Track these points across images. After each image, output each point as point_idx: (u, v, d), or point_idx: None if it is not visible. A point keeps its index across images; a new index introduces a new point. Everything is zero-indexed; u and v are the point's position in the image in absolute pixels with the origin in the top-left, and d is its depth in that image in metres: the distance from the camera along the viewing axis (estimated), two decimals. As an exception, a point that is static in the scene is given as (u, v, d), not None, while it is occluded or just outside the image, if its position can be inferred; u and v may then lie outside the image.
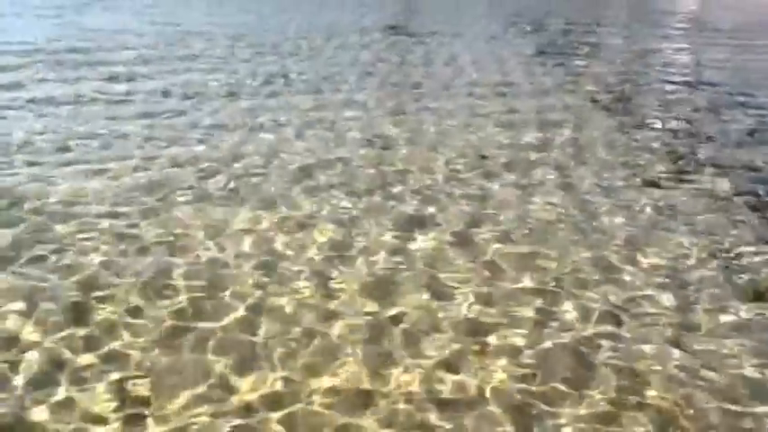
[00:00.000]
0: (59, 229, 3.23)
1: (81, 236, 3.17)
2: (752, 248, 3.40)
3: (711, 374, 2.35)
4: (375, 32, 9.11)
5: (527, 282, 2.93)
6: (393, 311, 2.64)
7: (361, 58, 7.39)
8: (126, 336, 2.41)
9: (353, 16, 10.14)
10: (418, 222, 3.48)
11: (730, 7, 14.36)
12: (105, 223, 3.31)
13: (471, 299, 2.76)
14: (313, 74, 6.63)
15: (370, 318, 2.59)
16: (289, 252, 3.09)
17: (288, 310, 2.63)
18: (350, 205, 3.66)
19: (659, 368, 2.36)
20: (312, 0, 11.77)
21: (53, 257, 2.96)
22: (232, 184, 3.88)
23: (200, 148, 4.48)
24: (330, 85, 6.23)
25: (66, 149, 4.35)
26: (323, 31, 8.91)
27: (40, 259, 2.94)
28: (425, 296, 2.77)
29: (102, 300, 2.64)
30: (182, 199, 3.64)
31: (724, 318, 2.75)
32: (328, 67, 6.91)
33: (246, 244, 3.16)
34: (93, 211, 3.44)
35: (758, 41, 9.79)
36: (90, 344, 2.35)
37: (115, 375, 2.19)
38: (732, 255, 3.33)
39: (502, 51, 8.15)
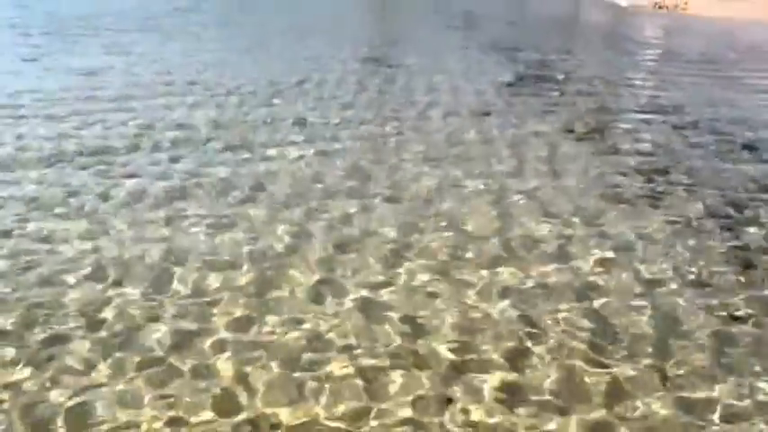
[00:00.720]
0: None
1: None
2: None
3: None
4: (355, 64, 9.21)
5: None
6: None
7: (341, 89, 7.49)
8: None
9: (332, 49, 10.24)
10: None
11: (697, 35, 14.74)
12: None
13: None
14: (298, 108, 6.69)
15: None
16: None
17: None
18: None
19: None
20: (289, 34, 11.87)
21: None
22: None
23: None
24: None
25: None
26: (303, 65, 9.00)
27: None
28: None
29: None
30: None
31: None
32: (310, 102, 6.98)
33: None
34: None
35: (722, 69, 10.09)
36: None
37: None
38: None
39: (479, 81, 8.30)
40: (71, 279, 3.18)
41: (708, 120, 6.67)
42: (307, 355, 2.67)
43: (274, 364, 2.61)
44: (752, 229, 4.05)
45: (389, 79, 8.14)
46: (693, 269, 3.47)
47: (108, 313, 2.92)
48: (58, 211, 3.95)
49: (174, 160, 4.92)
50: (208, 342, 2.74)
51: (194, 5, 15.03)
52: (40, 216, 3.87)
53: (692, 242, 3.81)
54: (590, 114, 6.76)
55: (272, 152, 5.16)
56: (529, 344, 2.79)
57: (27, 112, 6.01)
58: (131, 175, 4.55)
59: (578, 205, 4.30)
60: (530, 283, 3.28)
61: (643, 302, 3.14)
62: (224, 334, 2.80)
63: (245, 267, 3.35)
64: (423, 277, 3.30)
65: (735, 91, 8.35)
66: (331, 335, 2.81)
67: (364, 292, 3.15)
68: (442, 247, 3.63)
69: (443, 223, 3.96)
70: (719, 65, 10.39)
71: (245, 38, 11.29)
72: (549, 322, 2.95)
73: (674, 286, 3.29)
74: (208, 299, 3.06)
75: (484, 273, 3.37)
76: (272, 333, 2.82)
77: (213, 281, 3.21)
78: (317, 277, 3.28)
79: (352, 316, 2.95)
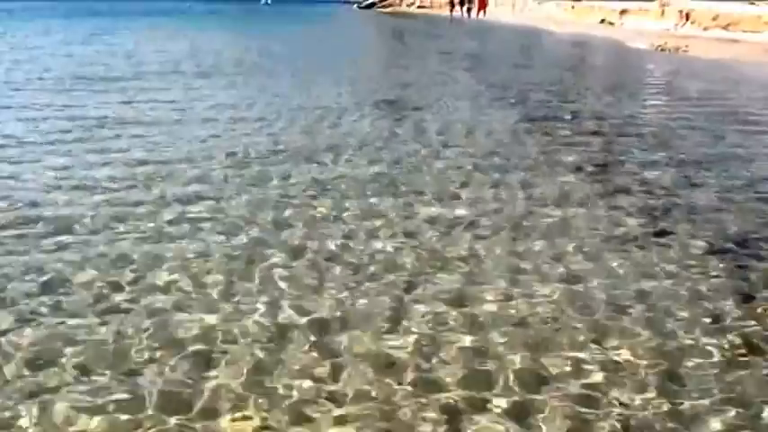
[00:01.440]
0: None
1: None
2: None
3: None
4: (368, 107, 9.42)
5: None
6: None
7: (356, 129, 7.67)
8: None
9: (347, 94, 10.47)
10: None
11: (698, 77, 14.89)
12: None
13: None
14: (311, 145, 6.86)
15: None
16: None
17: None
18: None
19: None
20: (302, 80, 12.14)
21: None
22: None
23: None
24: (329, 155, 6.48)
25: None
26: (317, 107, 9.22)
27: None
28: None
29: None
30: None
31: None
32: (326, 139, 7.14)
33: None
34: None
35: (723, 108, 10.19)
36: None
37: None
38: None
39: (490, 122, 8.46)
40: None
41: (711, 156, 6.78)
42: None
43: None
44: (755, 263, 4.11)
45: (404, 119, 8.34)
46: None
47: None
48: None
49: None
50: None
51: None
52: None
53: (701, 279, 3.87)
54: (596, 153, 6.88)
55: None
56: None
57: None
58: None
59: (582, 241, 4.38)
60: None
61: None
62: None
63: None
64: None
65: (738, 128, 8.45)
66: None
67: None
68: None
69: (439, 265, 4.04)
70: (719, 103, 10.51)
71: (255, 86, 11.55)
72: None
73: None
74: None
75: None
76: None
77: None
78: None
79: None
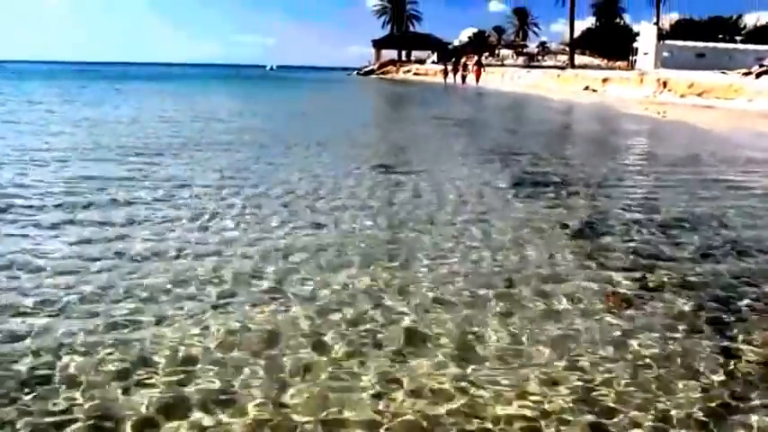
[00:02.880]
0: None
1: None
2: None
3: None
4: (366, 169, 9.53)
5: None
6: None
7: (355, 194, 7.73)
8: None
9: (347, 158, 10.61)
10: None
11: (677, 140, 15.16)
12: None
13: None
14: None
15: None
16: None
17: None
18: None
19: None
20: (298, 150, 12.31)
21: None
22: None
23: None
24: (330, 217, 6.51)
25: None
26: (317, 171, 9.32)
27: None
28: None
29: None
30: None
31: None
32: (325, 204, 7.19)
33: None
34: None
35: (701, 169, 10.33)
36: None
37: None
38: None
39: (480, 185, 8.54)
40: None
41: (691, 216, 6.84)
42: None
43: None
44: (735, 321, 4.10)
45: (398, 183, 8.43)
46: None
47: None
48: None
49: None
50: None
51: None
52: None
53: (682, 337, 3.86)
54: (583, 214, 6.93)
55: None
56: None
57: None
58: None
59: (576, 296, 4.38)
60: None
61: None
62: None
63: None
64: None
65: (715, 189, 8.55)
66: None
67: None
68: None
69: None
70: (698, 169, 10.65)
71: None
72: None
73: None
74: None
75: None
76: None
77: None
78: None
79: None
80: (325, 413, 2.96)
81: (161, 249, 5.30)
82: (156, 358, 3.43)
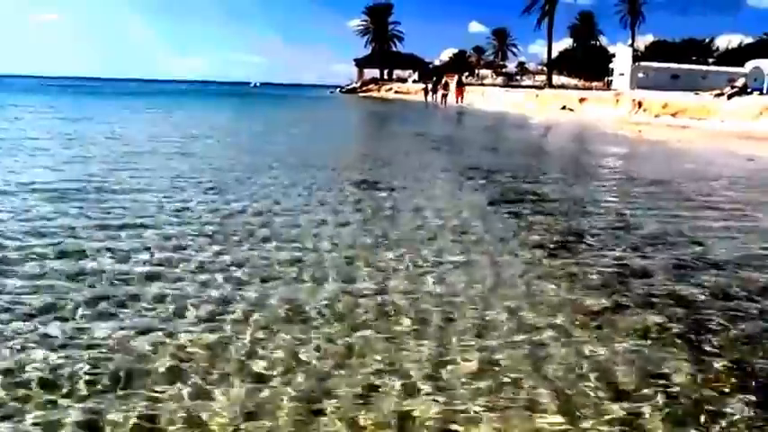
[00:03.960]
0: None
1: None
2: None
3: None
4: (349, 186, 9.55)
5: None
6: None
7: (339, 209, 7.73)
8: None
9: (331, 174, 10.61)
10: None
11: (651, 158, 15.36)
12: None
13: None
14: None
15: None
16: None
17: None
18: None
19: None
20: (289, 165, 12.29)
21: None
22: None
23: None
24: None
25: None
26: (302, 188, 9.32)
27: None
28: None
29: None
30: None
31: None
32: (308, 222, 7.17)
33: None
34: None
35: (673, 187, 10.50)
36: None
37: None
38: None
39: (459, 203, 8.59)
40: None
41: (664, 234, 6.93)
42: None
43: None
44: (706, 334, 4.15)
45: (381, 199, 8.46)
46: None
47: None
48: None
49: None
50: None
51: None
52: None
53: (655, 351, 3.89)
54: (559, 231, 7.00)
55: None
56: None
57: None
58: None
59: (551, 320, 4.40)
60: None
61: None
62: None
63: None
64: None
65: (687, 207, 8.69)
66: None
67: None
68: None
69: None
70: (670, 186, 10.81)
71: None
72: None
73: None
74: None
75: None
76: None
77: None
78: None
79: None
80: None
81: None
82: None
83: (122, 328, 3.99)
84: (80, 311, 4.25)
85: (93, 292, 4.62)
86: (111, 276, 4.98)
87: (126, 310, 4.31)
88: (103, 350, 3.68)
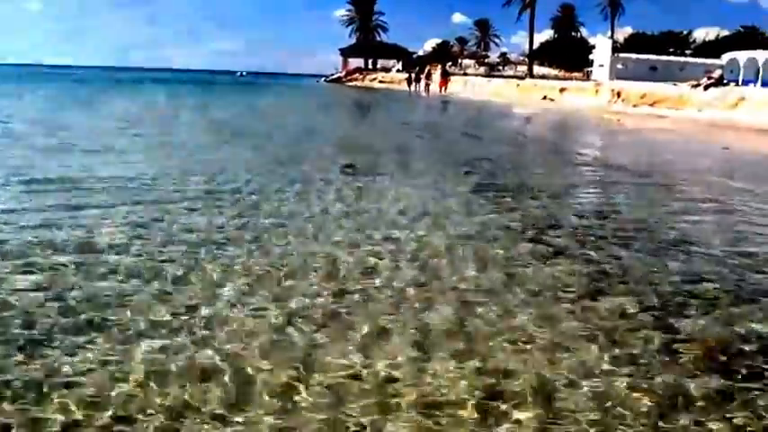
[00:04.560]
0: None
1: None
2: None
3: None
4: (335, 171, 9.52)
5: None
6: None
7: (323, 195, 7.69)
8: None
9: (317, 160, 10.55)
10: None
11: (632, 151, 15.47)
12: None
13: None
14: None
15: None
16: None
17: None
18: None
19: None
20: (275, 148, 12.20)
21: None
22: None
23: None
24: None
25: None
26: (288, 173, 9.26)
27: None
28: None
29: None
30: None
31: None
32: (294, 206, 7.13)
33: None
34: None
35: (652, 178, 10.58)
36: None
37: None
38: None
39: (443, 189, 8.58)
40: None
41: (642, 220, 6.99)
42: None
43: None
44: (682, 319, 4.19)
45: (366, 185, 8.44)
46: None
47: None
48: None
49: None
50: None
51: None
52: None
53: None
54: (539, 218, 7.03)
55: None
56: None
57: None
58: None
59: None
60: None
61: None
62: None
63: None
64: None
65: (667, 194, 8.77)
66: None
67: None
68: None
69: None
70: (645, 174, 10.90)
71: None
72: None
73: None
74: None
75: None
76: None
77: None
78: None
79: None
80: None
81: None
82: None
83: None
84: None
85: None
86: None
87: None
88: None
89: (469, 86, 49.28)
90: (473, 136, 17.90)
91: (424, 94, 44.61)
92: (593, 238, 6.22)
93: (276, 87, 59.51)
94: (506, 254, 5.58)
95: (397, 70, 73.01)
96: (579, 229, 6.59)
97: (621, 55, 51.65)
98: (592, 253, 5.69)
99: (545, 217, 7.16)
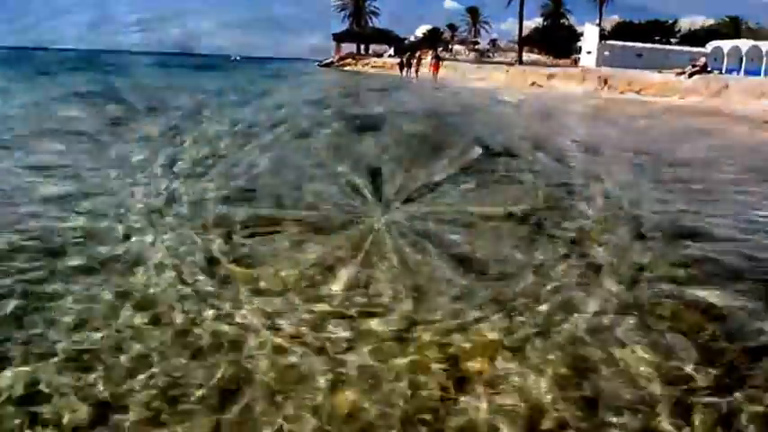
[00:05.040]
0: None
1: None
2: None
3: None
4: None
5: None
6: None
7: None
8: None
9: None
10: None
11: (618, 137, 15.58)
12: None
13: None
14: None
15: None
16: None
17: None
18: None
19: None
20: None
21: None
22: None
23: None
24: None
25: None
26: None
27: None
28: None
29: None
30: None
31: None
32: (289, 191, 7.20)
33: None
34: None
35: (639, 157, 10.72)
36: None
37: None
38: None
39: (429, 171, 8.68)
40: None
41: (628, 202, 7.13)
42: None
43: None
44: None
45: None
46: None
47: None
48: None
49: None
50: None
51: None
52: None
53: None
54: (530, 202, 7.17)
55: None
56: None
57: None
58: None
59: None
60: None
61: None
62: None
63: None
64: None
65: (652, 177, 8.91)
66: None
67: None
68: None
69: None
70: (639, 152, 11.05)
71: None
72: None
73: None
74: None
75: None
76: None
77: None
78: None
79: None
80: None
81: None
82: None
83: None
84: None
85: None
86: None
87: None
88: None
89: (460, 72, 49.10)
90: (463, 119, 17.93)
91: (414, 78, 44.43)
92: (580, 222, 6.35)
93: (274, 72, 59.08)
94: (497, 235, 5.72)
95: (389, 56, 72.58)
96: (565, 212, 6.72)
97: (608, 42, 51.60)
98: (578, 238, 5.83)
99: (534, 200, 7.29)
